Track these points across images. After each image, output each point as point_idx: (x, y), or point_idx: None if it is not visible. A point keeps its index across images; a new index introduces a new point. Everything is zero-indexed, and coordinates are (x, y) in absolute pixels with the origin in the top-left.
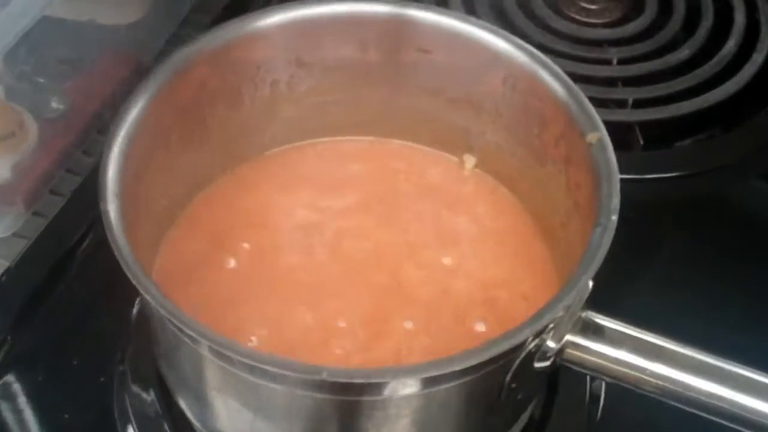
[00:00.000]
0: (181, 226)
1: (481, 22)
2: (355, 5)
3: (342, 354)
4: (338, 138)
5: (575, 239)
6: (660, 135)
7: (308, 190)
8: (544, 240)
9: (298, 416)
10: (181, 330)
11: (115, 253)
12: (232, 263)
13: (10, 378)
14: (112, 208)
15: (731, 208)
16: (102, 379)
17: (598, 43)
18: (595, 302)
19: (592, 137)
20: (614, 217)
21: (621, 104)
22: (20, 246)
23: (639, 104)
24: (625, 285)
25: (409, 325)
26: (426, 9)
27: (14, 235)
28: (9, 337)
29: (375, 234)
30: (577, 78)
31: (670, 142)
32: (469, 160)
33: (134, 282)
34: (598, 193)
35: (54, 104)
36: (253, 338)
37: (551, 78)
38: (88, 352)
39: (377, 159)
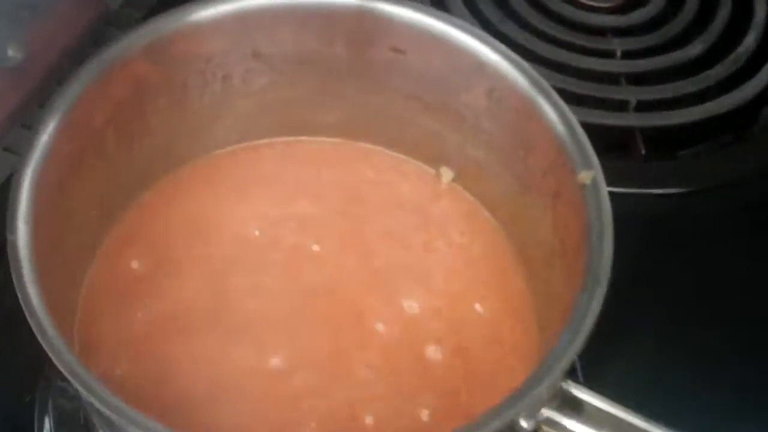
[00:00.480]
0: (114, 239)
1: (465, 24)
2: None
3: (289, 403)
4: (300, 138)
5: (559, 285)
6: (664, 143)
7: (262, 197)
8: (524, 273)
9: None
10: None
11: (24, 308)
12: (169, 285)
13: None
14: (21, 238)
15: (745, 231)
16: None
17: (601, 32)
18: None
19: (585, 176)
20: (603, 286)
21: (622, 106)
22: None
23: (643, 107)
24: (615, 342)
25: (367, 371)
26: (398, 4)
27: None
28: None
29: (335, 257)
30: (575, 71)
31: (674, 152)
32: (446, 174)
33: (51, 356)
34: (588, 247)
35: (10, 52)
36: (188, 379)
37: (543, 99)
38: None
39: (343, 165)
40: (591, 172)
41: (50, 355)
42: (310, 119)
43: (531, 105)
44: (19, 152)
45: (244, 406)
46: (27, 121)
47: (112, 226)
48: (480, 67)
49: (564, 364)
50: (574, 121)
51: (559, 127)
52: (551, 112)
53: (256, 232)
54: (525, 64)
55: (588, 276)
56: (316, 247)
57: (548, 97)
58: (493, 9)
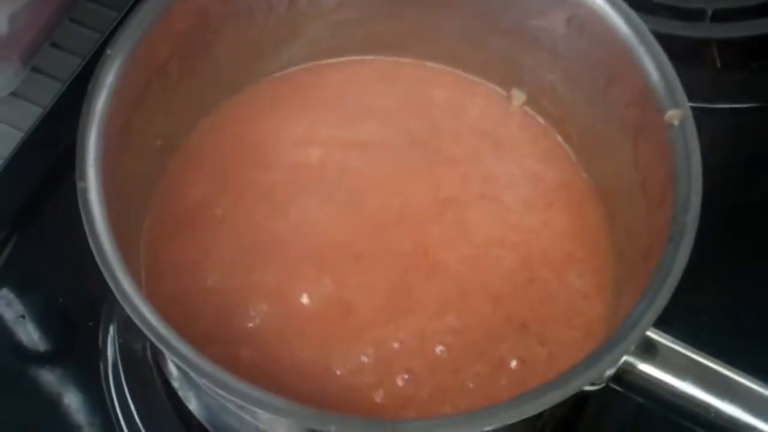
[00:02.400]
0: (178, 164)
1: None
2: None
3: (354, 333)
4: (368, 57)
5: (640, 223)
6: (742, 56)
7: (326, 121)
8: (601, 205)
9: None
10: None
11: (96, 256)
12: (231, 212)
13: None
14: (92, 185)
15: None
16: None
17: None
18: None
19: (672, 116)
20: (690, 239)
21: (698, 15)
22: (21, 107)
23: (719, 17)
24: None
25: (435, 304)
26: None
27: (13, 94)
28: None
29: (402, 185)
30: None
31: (751, 64)
32: (518, 96)
33: (123, 304)
34: (674, 193)
35: None
36: (253, 315)
37: (631, 32)
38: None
39: (411, 84)
40: (679, 112)
41: (125, 306)
42: (377, 38)
43: (617, 37)
44: (68, 48)
45: (311, 342)
46: (75, 14)
47: (174, 153)
48: None
49: (649, 319)
50: (665, 58)
51: (648, 63)
52: (641, 48)
53: (321, 158)
54: None
55: (674, 226)
56: (382, 174)
57: (638, 32)
58: None
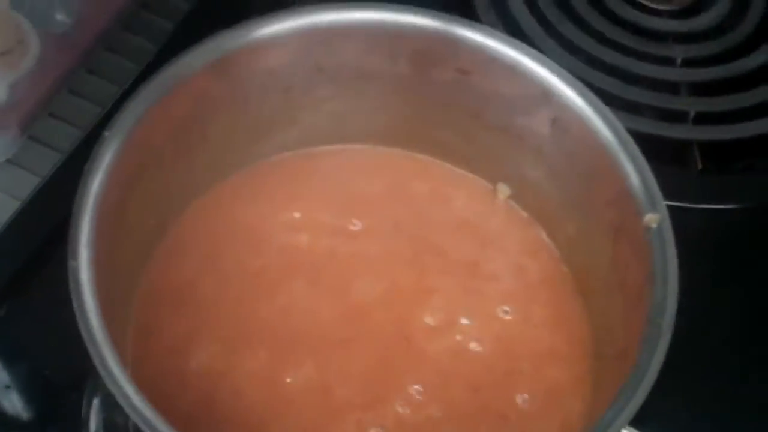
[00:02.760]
0: (167, 247)
1: (535, 52)
2: (395, 15)
3: (335, 426)
4: (359, 146)
5: (617, 320)
6: (723, 157)
7: (318, 205)
8: (581, 301)
9: None
10: None
11: (84, 335)
12: (219, 295)
13: None
14: (83, 264)
15: None
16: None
17: (663, 37)
18: None
19: (650, 219)
20: (665, 339)
21: (681, 117)
22: (15, 174)
23: (702, 119)
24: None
25: (415, 392)
26: (475, 29)
27: (9, 161)
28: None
29: (387, 272)
30: (634, 77)
31: (731, 165)
32: (504, 190)
33: (108, 384)
34: (651, 295)
35: (59, 17)
36: (237, 397)
37: (612, 135)
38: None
39: (400, 174)
40: (657, 216)
41: (110, 387)
42: (369, 129)
43: (598, 140)
44: (66, 119)
45: (289, 424)
46: (75, 86)
47: (165, 233)
48: (546, 95)
49: (625, 417)
50: (644, 161)
51: (626, 165)
52: (619, 149)
53: (309, 242)
54: (594, 97)
55: (651, 327)
56: (368, 260)
57: (618, 134)
58: (552, 9)
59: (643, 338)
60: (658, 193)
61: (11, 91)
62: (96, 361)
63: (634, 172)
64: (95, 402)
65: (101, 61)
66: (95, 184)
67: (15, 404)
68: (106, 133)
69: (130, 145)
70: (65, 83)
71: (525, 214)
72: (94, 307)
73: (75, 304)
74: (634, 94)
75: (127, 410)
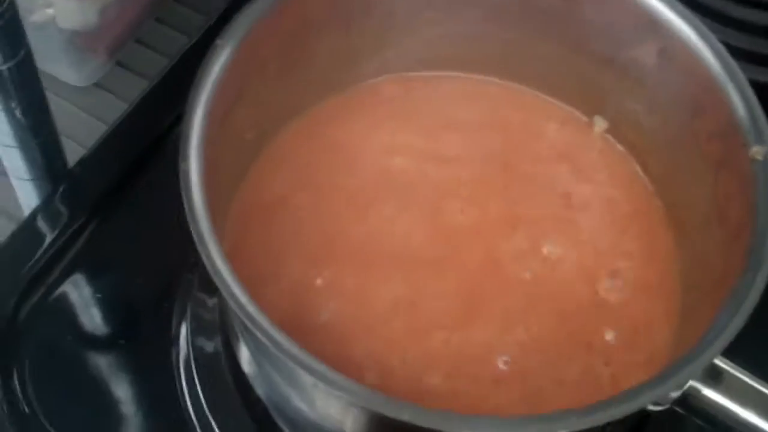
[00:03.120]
0: (264, 162)
1: None
2: None
3: (422, 340)
4: (455, 73)
5: (713, 253)
6: None
7: (412, 130)
8: (674, 234)
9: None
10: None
11: (194, 235)
12: (311, 212)
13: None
14: (194, 168)
15: None
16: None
17: None
18: None
19: (756, 152)
20: (766, 267)
21: None
22: (103, 98)
23: None
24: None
25: (503, 316)
26: None
27: (96, 85)
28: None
29: (478, 199)
30: (747, 26)
31: None
32: (600, 123)
33: (212, 274)
34: (753, 225)
35: None
36: (325, 311)
37: (720, 66)
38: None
39: (496, 104)
40: (764, 148)
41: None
42: (467, 56)
43: (706, 71)
44: (152, 46)
45: (377, 338)
46: (162, 15)
47: (263, 148)
48: (654, 24)
49: (721, 344)
50: (751, 93)
51: (735, 97)
52: (729, 83)
53: (402, 166)
54: (702, 26)
55: (753, 257)
56: (459, 187)
57: (727, 67)
58: None
59: (743, 268)
60: (765, 125)
61: (101, 16)
62: (205, 260)
63: (741, 103)
64: (184, 323)
65: None
66: (206, 90)
67: (104, 315)
68: (218, 42)
69: (239, 55)
70: (153, 11)
71: (620, 148)
72: (204, 210)
73: (186, 207)
74: (732, 38)
75: (233, 305)
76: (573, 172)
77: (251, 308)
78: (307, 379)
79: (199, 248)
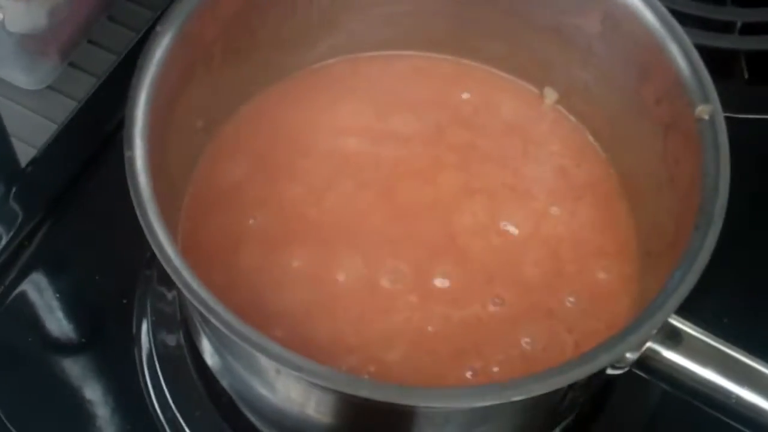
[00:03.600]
0: (215, 149)
1: None
2: None
3: (382, 317)
4: (406, 52)
5: (665, 216)
6: None
7: (364, 110)
8: (628, 201)
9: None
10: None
11: (141, 221)
12: (266, 196)
13: (38, 273)
14: (138, 154)
15: None
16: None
17: None
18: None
19: (702, 111)
20: (717, 226)
21: (727, 27)
22: (56, 100)
23: (748, 29)
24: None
25: (463, 288)
26: None
27: (49, 88)
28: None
29: (433, 177)
30: None
31: None
32: (550, 94)
33: (161, 259)
34: (702, 184)
35: None
36: (286, 293)
37: (664, 29)
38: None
39: (446, 80)
40: (709, 107)
41: (164, 263)
42: (415, 34)
43: (650, 35)
44: (105, 45)
45: (337, 318)
46: (114, 13)
47: (214, 135)
48: None
49: (675, 302)
50: (695, 53)
51: (679, 58)
52: (673, 43)
53: (356, 147)
54: None
55: (702, 215)
56: (414, 164)
57: (670, 28)
58: None
59: (693, 227)
60: (710, 85)
61: (50, 18)
62: (154, 246)
63: (685, 64)
64: (145, 318)
65: None
66: (149, 76)
67: (64, 314)
68: (158, 28)
69: (181, 40)
70: (104, 10)
71: (572, 118)
72: (150, 196)
73: (132, 193)
74: (679, 4)
75: (183, 290)
76: (526, 144)
77: (203, 293)
78: (264, 362)
79: (147, 233)
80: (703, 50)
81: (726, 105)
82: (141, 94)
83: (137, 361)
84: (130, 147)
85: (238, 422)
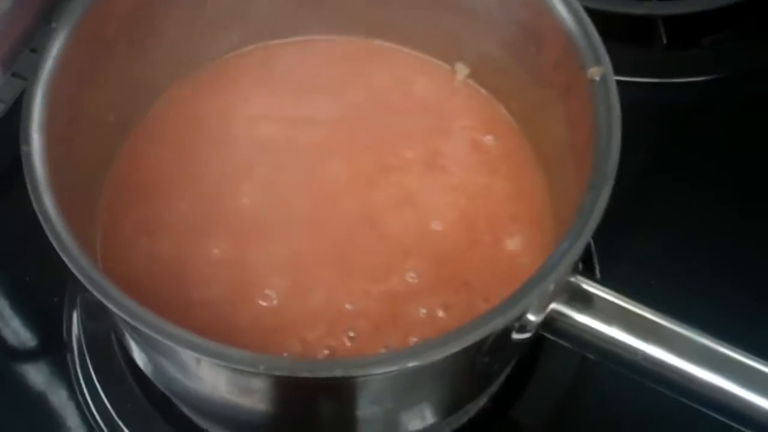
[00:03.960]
0: (133, 141)
1: None
2: None
3: (305, 300)
4: (316, 37)
5: (571, 182)
6: (687, 31)
7: (279, 97)
8: (541, 170)
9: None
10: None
11: (38, 211)
12: (185, 188)
13: None
14: (35, 148)
15: None
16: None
17: None
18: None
19: (594, 72)
20: (609, 184)
21: None
22: None
23: None
24: (628, 235)
25: (382, 265)
26: None
27: None
28: None
29: (350, 158)
30: None
31: (697, 40)
32: (462, 70)
33: (56, 248)
34: (596, 144)
35: None
36: (206, 282)
37: None
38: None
39: (358, 62)
40: (600, 68)
41: (66, 261)
42: (325, 18)
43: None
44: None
45: (262, 300)
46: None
47: (129, 130)
48: None
49: (570, 258)
50: (585, 15)
51: (569, 21)
52: (560, 6)
53: (272, 133)
54: None
55: (594, 173)
56: (331, 147)
57: None
58: None
59: (587, 185)
60: (600, 47)
61: None
62: (53, 241)
63: (575, 27)
64: (75, 313)
65: None
66: (45, 72)
67: None
68: (54, 25)
69: (78, 36)
70: (45, 18)
71: (484, 92)
72: (49, 190)
73: (30, 189)
74: None
75: (83, 281)
76: (440, 120)
77: (102, 282)
78: (182, 352)
79: (45, 226)
80: (623, 17)
81: (646, 70)
82: (37, 90)
83: (68, 358)
84: (27, 142)
85: (171, 413)
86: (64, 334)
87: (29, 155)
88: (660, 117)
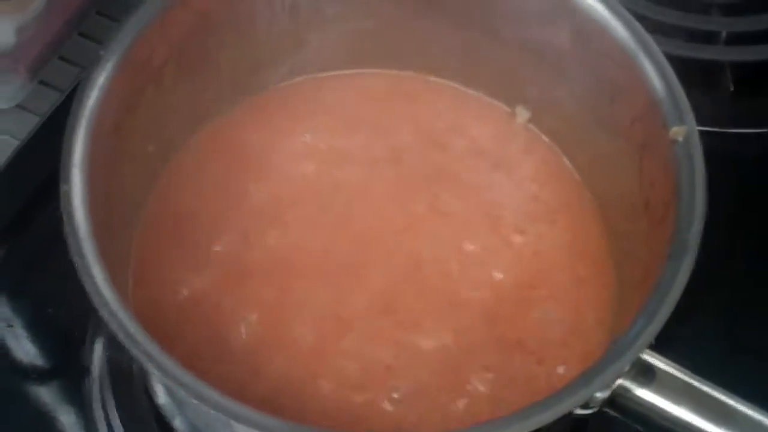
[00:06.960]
0: (171, 173)
1: None
2: None
3: (347, 354)
4: (369, 70)
5: (640, 243)
6: (756, 79)
7: (326, 132)
8: (603, 226)
9: None
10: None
11: (76, 261)
12: (227, 222)
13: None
14: (76, 189)
15: None
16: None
17: None
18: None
19: (677, 132)
20: (691, 257)
21: (712, 38)
22: (26, 119)
23: (733, 39)
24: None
25: (429, 317)
26: None
27: (18, 106)
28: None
29: (398, 200)
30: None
31: (764, 88)
32: (522, 113)
33: (94, 303)
34: (676, 210)
35: None
36: (244, 328)
37: (638, 47)
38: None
39: (412, 99)
40: (684, 128)
41: (105, 318)
42: (379, 52)
43: (622, 51)
44: (76, 62)
45: (303, 350)
46: (85, 29)
47: (168, 161)
48: (566, 5)
49: (645, 339)
50: (670, 70)
51: (654, 77)
52: (646, 61)
53: (316, 170)
54: (617, 4)
55: (675, 244)
56: (378, 187)
57: (644, 45)
58: None
59: (667, 255)
60: (686, 105)
61: (19, 35)
62: (88, 287)
63: (660, 83)
64: (98, 343)
65: (110, 2)
66: (90, 103)
67: (19, 343)
68: (102, 52)
69: (127, 64)
70: (75, 26)
71: (545, 138)
72: (88, 233)
73: (67, 231)
74: (662, 14)
75: (118, 334)
76: (496, 166)
77: (141, 338)
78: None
79: (80, 271)
80: (687, 62)
81: (711, 119)
82: (81, 123)
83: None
84: (67, 181)
85: None
86: (86, 362)
87: (69, 195)
88: (725, 169)
